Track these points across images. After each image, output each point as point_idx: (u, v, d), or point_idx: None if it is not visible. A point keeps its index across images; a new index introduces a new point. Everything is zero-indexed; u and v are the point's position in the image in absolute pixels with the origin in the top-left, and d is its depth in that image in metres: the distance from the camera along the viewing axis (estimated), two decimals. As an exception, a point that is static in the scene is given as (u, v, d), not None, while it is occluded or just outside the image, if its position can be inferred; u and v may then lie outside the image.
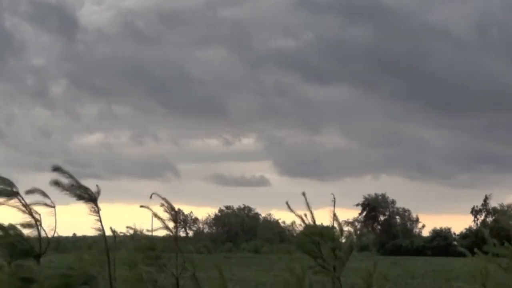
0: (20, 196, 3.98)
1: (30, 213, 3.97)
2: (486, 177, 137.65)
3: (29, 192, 3.94)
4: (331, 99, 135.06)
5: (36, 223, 3.95)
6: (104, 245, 3.78)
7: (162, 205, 4.00)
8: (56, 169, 3.73)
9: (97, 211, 3.81)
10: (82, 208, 3.95)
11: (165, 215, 4.03)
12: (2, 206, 3.96)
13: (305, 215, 3.82)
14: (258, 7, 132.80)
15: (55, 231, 3.94)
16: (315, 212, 3.75)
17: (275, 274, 38.39)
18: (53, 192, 3.98)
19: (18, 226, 4.00)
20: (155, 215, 4.01)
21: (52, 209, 3.95)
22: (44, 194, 3.96)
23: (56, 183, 3.74)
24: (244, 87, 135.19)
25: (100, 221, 3.81)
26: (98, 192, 3.80)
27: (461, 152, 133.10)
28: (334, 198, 3.77)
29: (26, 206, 3.96)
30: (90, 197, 3.78)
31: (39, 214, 4.00)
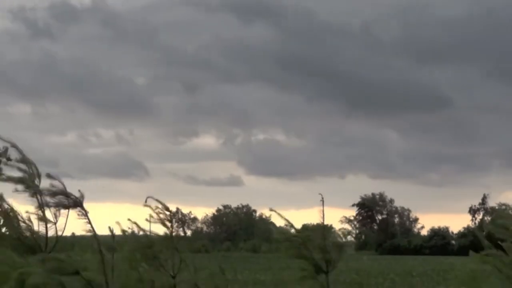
0: (39, 190, 3.98)
1: (44, 212, 3.98)
2: (452, 176, 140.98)
3: (52, 185, 3.94)
4: (257, 99, 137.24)
5: (45, 221, 3.96)
6: (97, 246, 3.79)
7: (156, 207, 4.02)
8: (48, 176, 3.75)
9: (85, 214, 3.82)
10: (89, 207, 3.97)
11: (160, 216, 4.05)
12: (20, 200, 3.97)
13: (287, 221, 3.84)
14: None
15: (63, 231, 3.96)
16: (304, 212, 3.79)
17: (273, 274, 38.43)
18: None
19: (29, 222, 4.01)
20: (151, 216, 4.03)
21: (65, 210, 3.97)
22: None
23: (36, 194, 3.76)
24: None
25: (90, 222, 3.82)
26: (82, 196, 3.82)
27: (415, 152, 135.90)
28: (323, 198, 3.77)
29: (42, 200, 3.96)
30: (75, 203, 3.80)
31: (59, 212, 4.01)
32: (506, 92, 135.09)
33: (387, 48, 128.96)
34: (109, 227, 4.10)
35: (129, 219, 4.32)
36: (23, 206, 4.07)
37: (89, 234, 3.96)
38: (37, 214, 4.00)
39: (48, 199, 3.83)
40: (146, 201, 3.98)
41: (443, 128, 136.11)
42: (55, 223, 3.99)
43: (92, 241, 3.82)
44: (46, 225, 3.96)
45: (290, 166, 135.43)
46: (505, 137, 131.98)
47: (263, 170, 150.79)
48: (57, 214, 4.01)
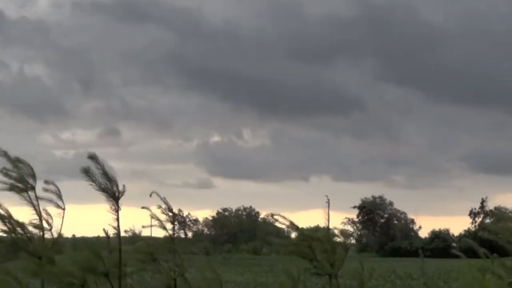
0: (34, 191, 3.97)
1: (40, 216, 3.96)
2: (416, 178, 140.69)
3: (45, 189, 3.93)
4: (177, 102, 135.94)
5: (41, 223, 3.95)
6: (119, 244, 3.77)
7: (159, 206, 4.01)
8: (91, 157, 3.70)
9: (117, 210, 3.80)
10: (81, 209, 3.96)
11: (163, 216, 4.05)
12: (15, 205, 3.97)
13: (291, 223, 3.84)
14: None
15: (60, 232, 3.95)
16: (300, 214, 3.78)
17: (274, 275, 38.37)
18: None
19: (27, 225, 4.00)
20: (153, 216, 4.02)
21: (61, 210, 3.96)
22: (58, 195, 3.95)
23: (86, 171, 3.71)
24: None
25: (118, 220, 3.80)
26: (123, 192, 3.79)
27: (362, 154, 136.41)
28: (328, 200, 3.77)
29: (37, 202, 3.95)
30: (113, 194, 3.77)
31: (52, 218, 4.00)
32: (394, 91, 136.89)
33: (280, 50, 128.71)
34: (104, 229, 4.09)
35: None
36: (18, 208, 4.06)
37: (88, 235, 3.96)
38: (32, 222, 3.98)
39: (96, 176, 3.77)
40: (150, 195, 3.96)
41: (368, 130, 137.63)
42: (50, 229, 3.97)
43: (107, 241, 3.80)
44: (42, 226, 3.95)
45: (253, 168, 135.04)
46: (420, 137, 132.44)
47: (227, 173, 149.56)
48: (50, 221, 3.99)
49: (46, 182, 3.93)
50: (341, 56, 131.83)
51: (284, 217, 3.91)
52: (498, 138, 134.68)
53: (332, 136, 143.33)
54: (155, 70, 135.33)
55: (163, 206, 4.10)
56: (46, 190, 3.96)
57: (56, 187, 3.95)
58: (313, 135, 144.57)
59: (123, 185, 3.79)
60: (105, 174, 3.74)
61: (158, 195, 4.01)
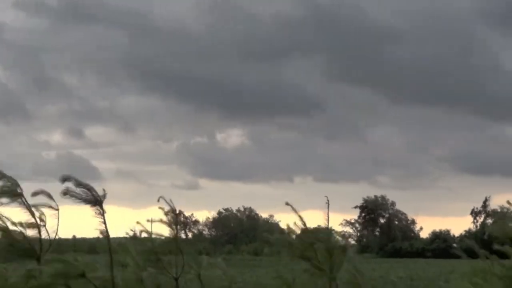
0: (24, 197, 4.02)
1: (33, 214, 4.00)
2: (402, 179, 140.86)
3: (34, 194, 3.98)
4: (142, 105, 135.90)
5: (38, 225, 3.98)
6: (108, 247, 3.81)
7: (167, 209, 4.03)
8: (66, 179, 3.77)
9: (102, 213, 3.84)
10: (81, 210, 3.99)
11: (167, 219, 4.07)
12: (6, 207, 4.00)
13: (293, 223, 3.86)
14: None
15: (56, 233, 3.98)
16: (281, 215, 3.80)
17: (275, 277, 38.40)
18: (56, 194, 4.02)
19: (20, 227, 4.03)
20: (161, 219, 4.05)
21: (55, 211, 3.99)
22: (49, 196, 4.00)
23: (66, 193, 3.78)
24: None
25: (105, 223, 3.84)
26: (104, 196, 3.84)
27: (338, 156, 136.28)
28: (328, 201, 3.79)
29: (29, 208, 4.00)
30: (96, 200, 3.82)
31: (45, 216, 4.03)
32: (351, 91, 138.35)
33: (232, 51, 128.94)
34: (101, 231, 4.09)
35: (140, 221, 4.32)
36: (12, 211, 4.10)
37: (88, 236, 3.99)
38: (25, 223, 4.02)
39: (73, 190, 3.82)
40: (158, 200, 4.00)
41: (336, 130, 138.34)
42: (44, 226, 4.00)
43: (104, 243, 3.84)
44: (39, 228, 3.99)
45: (236, 168, 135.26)
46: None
47: (211, 174, 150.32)
48: (43, 217, 4.03)
49: (34, 194, 3.99)
50: (294, 56, 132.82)
51: (297, 212, 3.91)
52: (469, 138, 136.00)
53: (303, 136, 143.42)
54: (111, 72, 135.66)
55: (166, 207, 4.13)
56: (35, 194, 4.00)
57: (44, 191, 4.01)
58: (285, 135, 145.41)
59: (103, 189, 3.86)
60: (81, 184, 3.82)
61: (164, 199, 4.05)
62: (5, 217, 4.05)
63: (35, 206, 4.03)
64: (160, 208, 4.30)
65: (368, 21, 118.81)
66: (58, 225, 3.96)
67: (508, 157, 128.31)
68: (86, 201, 3.83)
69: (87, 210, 4.01)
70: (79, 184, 3.80)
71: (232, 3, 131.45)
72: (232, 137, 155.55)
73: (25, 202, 4.02)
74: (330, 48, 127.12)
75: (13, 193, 3.99)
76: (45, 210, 4.03)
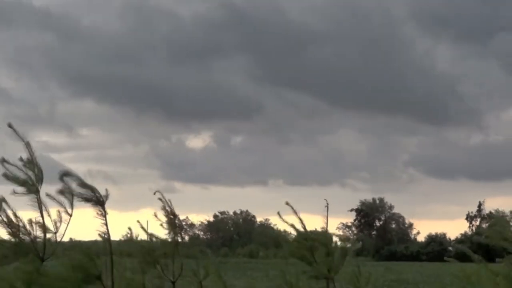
0: (39, 195, 3.99)
1: (42, 217, 3.99)
2: (374, 183, 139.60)
3: (60, 192, 3.94)
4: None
5: (44, 226, 3.97)
6: (109, 249, 3.80)
7: (163, 208, 4.03)
8: (65, 174, 3.75)
9: (104, 214, 3.83)
10: (79, 212, 3.99)
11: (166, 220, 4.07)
12: (20, 196, 3.97)
13: (293, 224, 3.86)
14: None
15: (63, 236, 3.97)
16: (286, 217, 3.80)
17: (271, 280, 38.38)
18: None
19: (29, 228, 4.01)
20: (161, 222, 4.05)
21: (67, 216, 3.97)
22: (71, 201, 3.96)
23: (62, 192, 3.76)
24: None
25: (106, 224, 3.83)
26: (107, 196, 3.82)
27: (296, 159, 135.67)
28: (327, 204, 3.81)
29: (42, 206, 3.97)
30: (98, 200, 3.80)
31: (54, 220, 4.01)
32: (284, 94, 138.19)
33: (159, 53, 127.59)
34: (100, 233, 4.08)
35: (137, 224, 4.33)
36: (25, 212, 4.08)
37: (85, 239, 3.98)
38: (38, 222, 4.00)
39: (75, 188, 3.80)
40: (154, 194, 3.99)
41: (284, 134, 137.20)
42: (55, 233, 3.99)
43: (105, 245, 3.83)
44: (44, 230, 3.97)
45: (205, 171, 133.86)
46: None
47: (183, 177, 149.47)
48: (58, 221, 4.02)
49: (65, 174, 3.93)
50: (221, 58, 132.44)
51: (297, 214, 3.92)
52: (425, 142, 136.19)
53: (256, 141, 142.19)
54: (39, 75, 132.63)
55: (162, 209, 4.14)
56: (60, 192, 3.97)
57: (71, 193, 3.98)
58: (238, 139, 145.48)
59: (106, 189, 3.83)
60: (84, 184, 3.79)
61: (163, 197, 4.05)
62: (18, 216, 4.02)
63: (42, 206, 4.00)
64: (154, 213, 4.30)
65: (288, 22, 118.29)
66: (66, 229, 3.95)
67: (461, 160, 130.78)
68: (89, 200, 3.80)
69: (82, 212, 4.01)
70: (82, 183, 3.78)
71: (153, 4, 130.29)
72: (190, 139, 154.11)
73: (41, 200, 3.98)
74: (254, 50, 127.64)
75: (32, 189, 3.95)
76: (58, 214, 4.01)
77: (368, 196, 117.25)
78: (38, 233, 3.99)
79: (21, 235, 3.98)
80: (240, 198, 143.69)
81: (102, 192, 3.85)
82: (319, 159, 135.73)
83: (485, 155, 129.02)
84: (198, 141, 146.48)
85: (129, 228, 4.39)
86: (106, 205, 3.82)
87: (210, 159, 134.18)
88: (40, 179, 3.97)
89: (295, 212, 3.86)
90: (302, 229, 3.86)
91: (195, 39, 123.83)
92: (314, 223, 3.98)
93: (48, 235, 3.97)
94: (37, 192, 3.95)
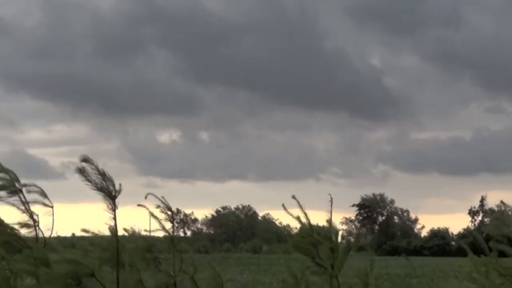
0: (22, 193, 3.99)
1: (29, 212, 3.97)
2: (349, 178, 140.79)
3: (28, 190, 3.95)
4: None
5: (34, 223, 3.96)
6: (116, 244, 3.78)
7: (158, 206, 4.00)
8: (84, 160, 3.72)
9: (113, 209, 3.80)
10: (81, 208, 3.97)
11: (161, 216, 4.04)
12: (1, 202, 3.97)
13: (299, 217, 3.83)
14: None
15: (52, 231, 3.95)
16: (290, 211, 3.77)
17: (274, 274, 38.42)
18: (51, 192, 3.99)
19: (16, 225, 4.01)
20: (153, 214, 4.02)
21: (50, 209, 3.96)
22: (43, 194, 3.96)
23: (81, 171, 3.72)
24: None
25: (115, 219, 3.80)
26: (119, 190, 3.79)
27: (257, 155, 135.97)
28: (332, 199, 3.77)
29: (25, 204, 3.97)
30: (109, 193, 3.77)
31: (37, 215, 4.00)
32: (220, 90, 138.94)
33: (82, 47, 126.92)
34: (109, 228, 4.06)
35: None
36: (6, 210, 4.06)
37: (86, 235, 3.95)
38: (21, 222, 3.99)
39: (92, 176, 3.77)
40: (146, 198, 3.97)
41: (229, 129, 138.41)
42: (37, 224, 3.97)
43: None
44: (35, 226, 3.96)
45: (180, 167, 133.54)
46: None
47: (160, 172, 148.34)
48: (36, 217, 4.00)
49: (24, 185, 3.96)
50: (146, 53, 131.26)
51: (290, 213, 3.88)
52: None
53: (211, 137, 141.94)
54: None
55: (161, 205, 4.10)
56: (29, 191, 3.97)
57: (38, 187, 3.97)
58: (176, 134, 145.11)
59: (119, 184, 3.80)
60: (101, 174, 3.76)
61: (155, 196, 4.01)
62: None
63: (28, 203, 4.00)
64: (157, 206, 4.26)
65: (208, 15, 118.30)
66: (53, 223, 3.93)
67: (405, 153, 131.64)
68: (101, 190, 3.77)
69: (82, 208, 3.99)
70: (98, 171, 3.75)
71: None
72: (130, 134, 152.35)
73: (23, 199, 3.98)
74: (176, 45, 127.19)
75: (11, 189, 3.96)
76: (39, 208, 4.00)
77: (345, 191, 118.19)
78: (25, 231, 3.98)
79: (10, 233, 3.97)
80: (223, 193, 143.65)
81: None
82: (280, 155, 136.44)
83: (452, 150, 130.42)
84: (141, 136, 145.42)
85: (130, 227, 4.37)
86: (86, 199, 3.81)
87: (184, 154, 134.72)
88: (16, 179, 3.97)
89: (300, 206, 3.82)
90: (306, 223, 3.81)
91: (119, 34, 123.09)
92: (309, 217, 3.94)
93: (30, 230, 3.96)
94: (20, 191, 3.96)
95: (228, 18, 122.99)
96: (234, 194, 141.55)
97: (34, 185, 3.90)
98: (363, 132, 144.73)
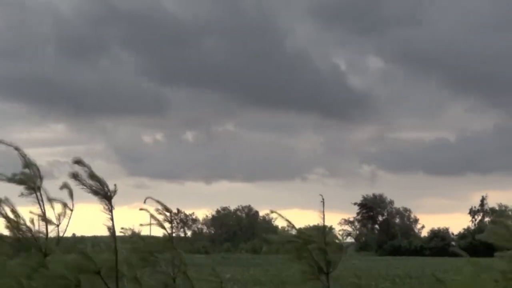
0: (40, 191, 4.00)
1: (43, 210, 3.99)
2: (335, 178, 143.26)
3: (62, 187, 3.95)
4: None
5: (46, 222, 3.97)
6: (114, 244, 3.78)
7: (157, 209, 4.01)
8: (77, 162, 3.72)
9: (110, 209, 3.81)
10: (82, 208, 3.98)
11: (160, 217, 4.05)
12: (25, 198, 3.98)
13: (288, 220, 3.84)
14: None
15: (65, 232, 3.98)
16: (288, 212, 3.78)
17: (274, 274, 38.44)
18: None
19: (30, 223, 4.02)
20: (153, 216, 4.03)
21: (69, 211, 3.98)
22: (71, 195, 3.98)
23: (75, 176, 3.73)
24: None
25: (112, 220, 3.81)
26: (115, 191, 3.80)
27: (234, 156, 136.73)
28: (323, 199, 3.77)
29: (40, 202, 3.97)
30: (105, 194, 3.77)
31: (62, 213, 4.02)
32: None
33: (47, 48, 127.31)
34: (108, 228, 4.08)
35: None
36: (26, 208, 4.08)
37: (87, 235, 3.97)
38: (39, 215, 4.01)
39: (83, 180, 3.78)
40: (145, 202, 3.97)
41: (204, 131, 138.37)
42: (57, 225, 3.99)
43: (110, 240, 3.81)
44: (46, 225, 3.97)
45: (157, 167, 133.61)
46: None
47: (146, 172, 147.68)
48: (61, 215, 4.03)
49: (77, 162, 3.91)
50: (106, 53, 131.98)
51: (282, 216, 3.90)
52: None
53: (189, 135, 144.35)
54: None
55: (160, 207, 4.11)
56: (61, 188, 3.99)
57: (69, 188, 3.98)
58: (157, 135, 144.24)
59: (114, 185, 3.81)
60: (94, 176, 3.77)
61: (153, 199, 4.02)
62: (18, 212, 4.02)
63: (43, 201, 4.01)
64: (156, 209, 4.27)
65: (169, 17, 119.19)
66: (68, 224, 3.96)
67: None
68: (96, 193, 3.78)
69: (81, 208, 4.00)
70: (91, 175, 3.75)
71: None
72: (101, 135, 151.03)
73: (39, 196, 3.99)
74: (142, 47, 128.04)
75: (30, 185, 3.96)
76: (58, 208, 4.02)
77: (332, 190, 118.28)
78: (41, 228, 4.00)
79: (22, 231, 3.98)
80: (211, 194, 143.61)
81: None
82: (255, 155, 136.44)
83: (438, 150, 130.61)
84: (122, 137, 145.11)
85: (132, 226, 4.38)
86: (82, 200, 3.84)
87: (165, 154, 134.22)
88: (39, 175, 3.98)
89: (280, 215, 3.86)
90: (293, 226, 3.83)
91: (81, 35, 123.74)
92: (304, 218, 3.95)
93: (50, 228, 3.98)
94: (38, 189, 3.97)
95: (189, 19, 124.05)
96: (226, 194, 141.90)
97: (88, 167, 3.83)
98: (339, 133, 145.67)
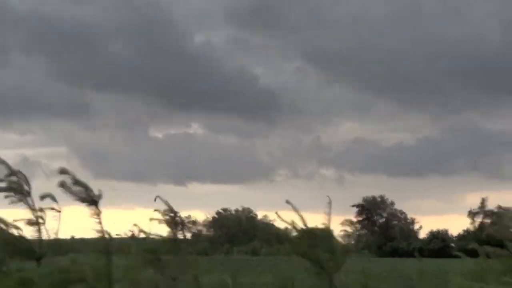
0: (31, 197, 4.02)
1: (34, 215, 4.00)
2: (303, 180, 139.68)
3: (43, 197, 3.98)
4: None
5: (39, 226, 3.98)
6: (105, 247, 3.81)
7: (164, 211, 4.02)
8: (63, 171, 3.77)
9: (98, 213, 3.84)
10: (80, 210, 3.99)
11: (167, 219, 4.06)
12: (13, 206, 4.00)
13: (293, 221, 3.84)
14: None
15: (57, 234, 3.98)
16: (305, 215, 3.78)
17: (274, 276, 38.34)
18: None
19: (19, 228, 4.03)
20: (155, 218, 4.05)
21: (57, 213, 3.99)
22: (53, 199, 3.99)
23: (62, 185, 3.77)
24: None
25: (101, 223, 3.84)
26: (100, 196, 3.84)
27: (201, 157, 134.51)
28: (330, 201, 3.79)
29: (31, 207, 4.00)
30: (92, 200, 3.81)
31: (45, 214, 4.03)
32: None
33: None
34: (106, 232, 4.09)
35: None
36: (13, 212, 4.09)
37: (87, 237, 3.98)
38: (27, 219, 4.02)
39: (70, 188, 3.82)
40: (155, 200, 3.99)
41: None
42: (43, 224, 4.00)
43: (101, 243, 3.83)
44: (39, 228, 3.99)
45: (129, 168, 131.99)
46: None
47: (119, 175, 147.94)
48: (43, 216, 4.04)
49: (42, 197, 3.99)
50: (14, 56, 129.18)
51: (297, 211, 3.90)
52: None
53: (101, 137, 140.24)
54: None
55: (163, 208, 4.12)
56: (42, 197, 4.00)
57: (50, 193, 4.00)
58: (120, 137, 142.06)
59: (99, 189, 3.85)
60: (78, 183, 3.80)
61: (161, 199, 4.04)
62: (1, 217, 4.05)
63: (34, 206, 4.03)
64: (156, 210, 4.29)
65: (71, 19, 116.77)
66: (59, 226, 3.96)
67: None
68: (82, 200, 3.82)
69: (79, 211, 4.02)
70: (76, 181, 3.79)
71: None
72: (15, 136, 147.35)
73: (30, 202, 4.01)
74: (49, 50, 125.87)
75: (19, 191, 3.98)
76: (47, 212, 4.03)
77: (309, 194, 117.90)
78: (30, 233, 4.01)
79: (13, 236, 3.99)
80: (194, 197, 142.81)
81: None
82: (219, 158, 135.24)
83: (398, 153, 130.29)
84: (31, 139, 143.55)
85: (135, 225, 4.38)
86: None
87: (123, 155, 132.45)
88: (25, 180, 4.00)
89: (296, 210, 3.84)
90: (303, 227, 3.83)
91: None
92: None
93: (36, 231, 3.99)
94: (28, 194, 3.99)
95: (94, 22, 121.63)
96: (205, 196, 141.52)
97: (47, 193, 3.92)
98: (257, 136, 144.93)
